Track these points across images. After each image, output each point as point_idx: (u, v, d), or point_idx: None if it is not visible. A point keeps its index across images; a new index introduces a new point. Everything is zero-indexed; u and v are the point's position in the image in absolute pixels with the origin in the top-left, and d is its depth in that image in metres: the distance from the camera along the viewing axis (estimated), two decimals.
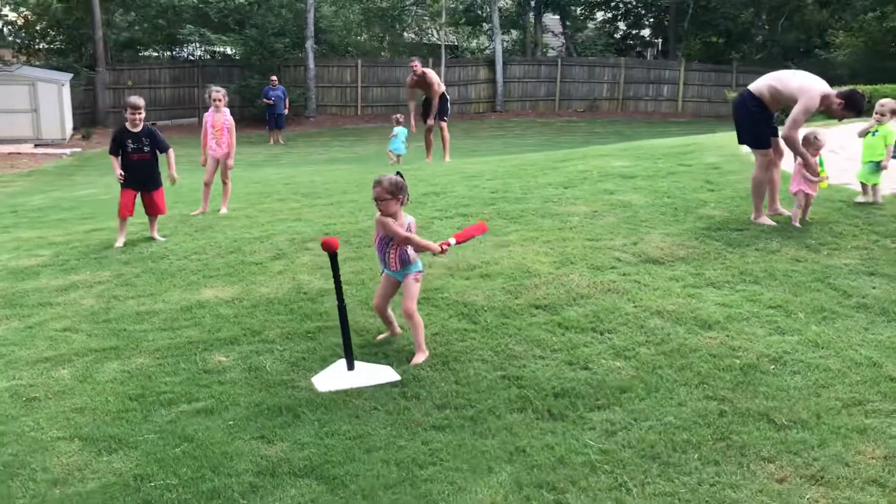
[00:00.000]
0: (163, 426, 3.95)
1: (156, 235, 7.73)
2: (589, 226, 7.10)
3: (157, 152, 7.90)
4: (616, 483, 3.42)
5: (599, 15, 36.30)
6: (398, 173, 4.81)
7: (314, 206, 8.84)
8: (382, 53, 32.69)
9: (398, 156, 15.08)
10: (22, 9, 28.41)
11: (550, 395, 4.20)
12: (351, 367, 4.57)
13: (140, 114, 7.77)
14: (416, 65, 13.82)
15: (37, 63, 28.16)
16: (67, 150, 21.06)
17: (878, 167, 7.33)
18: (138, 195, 7.80)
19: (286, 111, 23.94)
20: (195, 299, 5.81)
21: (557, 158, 11.31)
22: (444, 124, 13.90)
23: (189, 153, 20.54)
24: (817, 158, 6.75)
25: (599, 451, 3.67)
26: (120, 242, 7.53)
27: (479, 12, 34.31)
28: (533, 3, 33.68)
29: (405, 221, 4.86)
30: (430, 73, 13.83)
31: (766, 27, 33.73)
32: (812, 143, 6.74)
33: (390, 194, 4.70)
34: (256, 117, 26.60)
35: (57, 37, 29.78)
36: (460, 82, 30.99)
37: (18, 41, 30.17)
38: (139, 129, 7.75)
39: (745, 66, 33.05)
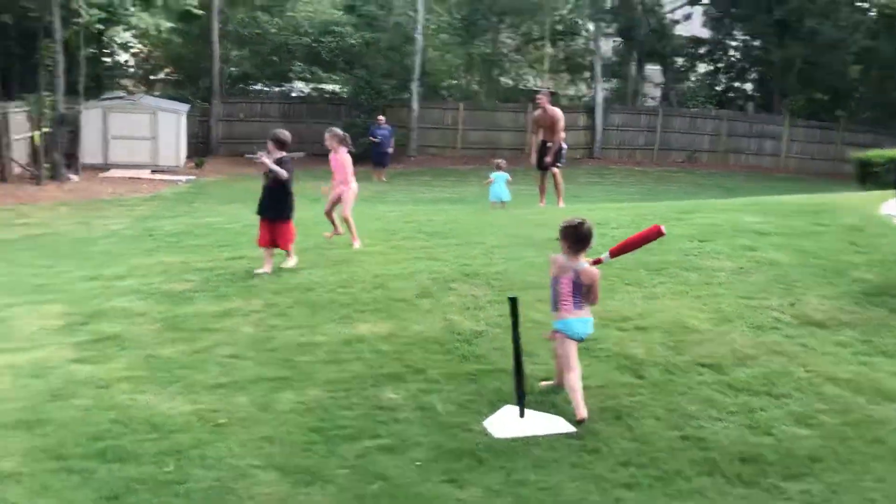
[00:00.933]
0: (351, 461, 3.99)
1: (284, 265, 7.92)
2: (738, 282, 6.94)
3: (283, 183, 8.09)
4: None
5: (702, 67, 35.94)
6: (582, 221, 4.79)
7: (445, 245, 8.90)
8: (482, 98, 33.01)
9: (502, 202, 14.72)
10: (145, 41, 29.88)
11: (737, 460, 4.08)
12: (522, 413, 4.55)
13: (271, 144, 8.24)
14: (543, 99, 13.68)
15: (155, 94, 29.52)
16: (183, 178, 21.88)
17: None
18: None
19: (391, 150, 24.36)
20: (352, 333, 5.90)
21: (681, 210, 11.13)
22: (556, 171, 13.83)
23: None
24: None
25: None
26: (260, 269, 7.74)
27: (581, 60, 34.43)
28: (635, 54, 33.61)
29: (572, 265, 4.77)
30: (558, 113, 13.61)
31: (875, 86, 32.80)
32: None
33: (559, 235, 4.72)
34: (361, 154, 27.06)
35: (175, 69, 31.16)
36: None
37: (140, 72, 31.75)
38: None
39: (851, 125, 32.17)
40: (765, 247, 8.21)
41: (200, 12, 24.23)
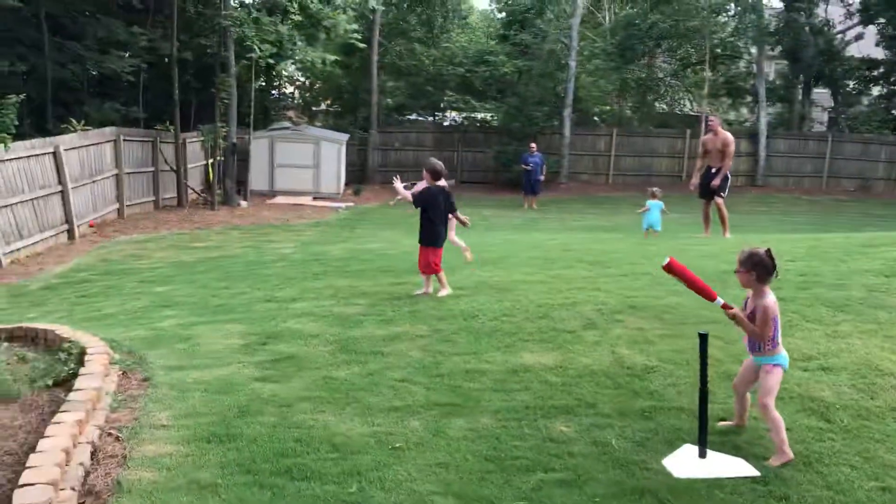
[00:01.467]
0: (528, 493, 3.95)
1: (429, 290, 8.09)
2: None
3: (423, 210, 8.34)
4: None
5: (875, 90, 33.75)
6: (768, 250, 4.56)
7: (607, 276, 8.75)
8: (635, 124, 32.47)
9: (655, 231, 14.42)
10: (309, 74, 31.46)
11: None
12: (703, 454, 4.36)
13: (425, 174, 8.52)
14: (715, 122, 13.30)
15: (317, 124, 30.98)
16: (342, 205, 22.76)
17: None
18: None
19: (542, 177, 24.34)
20: (518, 362, 5.88)
21: (861, 242, 10.44)
22: (720, 201, 13.29)
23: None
24: None
25: None
26: (418, 291, 8.14)
27: (742, 84, 33.20)
28: (802, 77, 32.04)
29: (761, 302, 4.53)
30: (730, 138, 13.14)
31: None
32: None
33: (743, 266, 4.49)
34: (511, 181, 27.31)
35: (335, 100, 32.60)
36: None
37: (302, 103, 33.44)
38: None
39: None
40: None
41: (363, 45, 25.23)
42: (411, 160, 29.82)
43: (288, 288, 9.17)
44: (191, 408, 5.06)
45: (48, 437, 4.21)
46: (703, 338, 4.38)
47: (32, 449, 4.19)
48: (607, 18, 35.46)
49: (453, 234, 9.98)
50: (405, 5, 31.18)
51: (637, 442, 4.59)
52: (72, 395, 4.90)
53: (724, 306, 4.51)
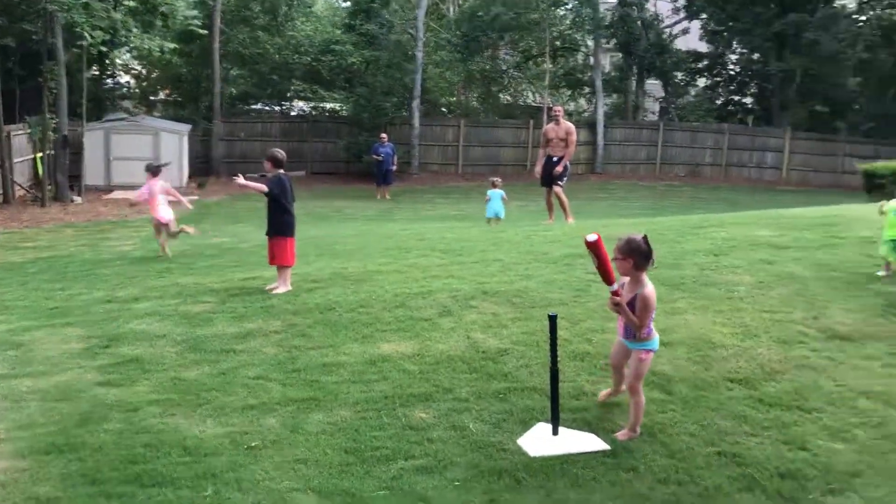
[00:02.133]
0: (388, 482, 3.96)
1: (271, 287, 7.94)
2: (759, 297, 6.93)
3: (273, 199, 8.14)
4: None
5: (701, 81, 36.10)
6: (644, 236, 4.66)
7: (460, 263, 8.89)
8: (481, 115, 33.14)
9: (498, 219, 14.92)
10: (145, 62, 29.98)
11: (776, 476, 4.06)
12: (556, 431, 4.52)
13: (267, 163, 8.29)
14: (560, 111, 13.71)
15: (156, 114, 29.58)
16: (186, 198, 21.84)
17: None
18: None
19: (394, 167, 24.39)
20: (377, 353, 5.87)
21: (693, 224, 11.14)
22: (558, 189, 13.74)
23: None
24: None
25: None
26: (270, 285, 7.96)
27: (580, 76, 34.57)
28: (635, 68, 33.76)
29: (642, 291, 4.60)
30: (572, 127, 13.62)
31: (874, 97, 32.95)
32: None
33: (621, 253, 4.58)
34: (363, 172, 27.19)
35: (174, 89, 31.21)
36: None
37: (139, 93, 31.83)
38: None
39: (852, 137, 32.28)
40: (783, 260, 8.21)
41: (204, 31, 24.29)
42: (258, 151, 28.91)
43: (129, 287, 8.72)
44: (27, 418, 4.72)
45: None
46: (553, 319, 4.52)
47: None
48: (451, 10, 35.95)
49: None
50: None
51: (493, 424, 4.69)
52: None
53: (615, 293, 4.48)
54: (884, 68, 32.14)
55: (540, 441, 4.44)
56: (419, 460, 4.20)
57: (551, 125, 13.82)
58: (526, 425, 4.68)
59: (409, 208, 21.68)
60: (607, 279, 4.46)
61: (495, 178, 15.85)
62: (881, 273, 7.52)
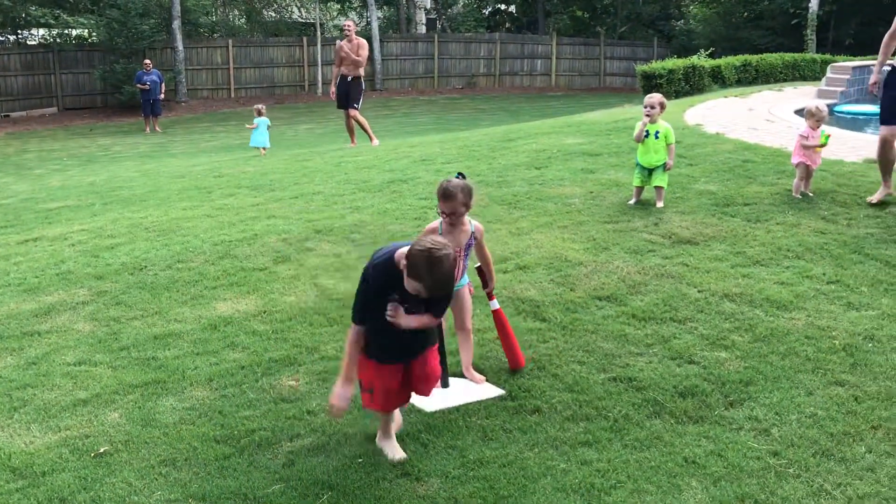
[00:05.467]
0: (280, 472, 3.41)
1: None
2: (595, 208, 6.92)
3: None
4: (813, 489, 3.24)
5: None
6: (460, 174, 4.19)
7: (277, 200, 8.17)
8: (253, 34, 31.22)
9: (263, 149, 14.49)
10: None
11: (677, 396, 3.98)
12: (446, 384, 4.16)
13: None
14: (351, 27, 12.95)
15: None
16: None
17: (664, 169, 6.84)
18: None
19: (162, 96, 22.41)
20: (215, 315, 5.16)
21: (500, 137, 11.06)
22: (353, 112, 13.17)
23: (46, 147, 19.16)
24: (819, 131, 6.84)
25: (769, 453, 3.48)
26: None
27: None
28: None
29: (469, 228, 4.24)
30: (364, 43, 12.92)
31: (628, 1, 34.85)
32: (814, 115, 6.83)
33: (465, 206, 4.09)
34: (125, 105, 24.84)
35: None
36: (333, 61, 30.13)
37: None
38: None
39: (610, 40, 34.07)
40: (603, 168, 8.29)
41: None
42: None
43: None
44: None
45: None
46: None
47: None
48: None
49: None
50: None
51: None
52: None
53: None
54: None
55: (433, 396, 4.06)
56: (307, 439, 3.67)
57: (343, 42, 13.08)
58: None
59: (185, 140, 20.09)
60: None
61: (259, 106, 15.38)
62: (631, 202, 6.95)
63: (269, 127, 14.68)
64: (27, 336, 5.03)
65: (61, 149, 18.86)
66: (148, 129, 22.11)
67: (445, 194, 3.98)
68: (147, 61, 22.75)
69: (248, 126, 15.14)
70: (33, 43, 28.01)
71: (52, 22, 26.42)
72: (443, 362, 4.12)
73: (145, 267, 6.19)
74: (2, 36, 27.77)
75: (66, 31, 27.70)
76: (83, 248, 6.83)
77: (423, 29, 36.77)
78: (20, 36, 28.31)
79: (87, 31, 27.40)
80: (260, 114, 14.71)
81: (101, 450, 3.61)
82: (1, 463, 3.53)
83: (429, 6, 36.44)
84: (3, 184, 12.80)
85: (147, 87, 21.84)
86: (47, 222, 8.26)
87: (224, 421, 3.86)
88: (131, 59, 24.91)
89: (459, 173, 4.11)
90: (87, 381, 4.34)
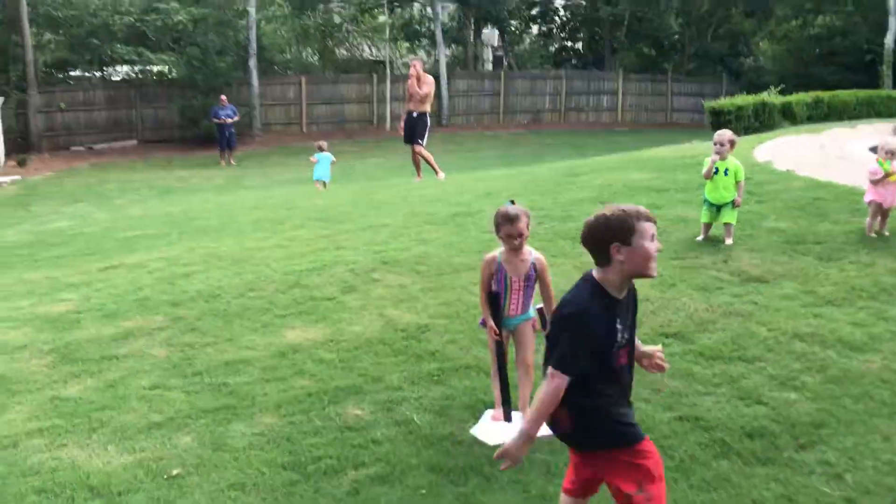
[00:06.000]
0: (347, 501, 3.47)
1: None
2: (663, 243, 6.84)
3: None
4: None
5: (535, 28, 36.58)
6: (512, 201, 4.24)
7: (346, 231, 8.33)
8: (325, 71, 32.01)
9: (324, 182, 14.97)
10: None
11: (745, 437, 3.90)
12: (509, 418, 4.16)
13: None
14: (418, 65, 13.18)
15: None
16: (7, 179, 19.74)
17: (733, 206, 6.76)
18: None
19: (230, 120, 23.05)
20: (284, 343, 5.29)
21: (565, 172, 11.08)
22: (418, 148, 13.36)
23: (126, 178, 19.74)
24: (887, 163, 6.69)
25: (843, 500, 3.39)
26: None
27: (419, 27, 34.09)
28: (472, 18, 33.65)
29: (529, 258, 4.27)
30: (430, 82, 13.12)
31: (696, 38, 34.64)
32: (884, 149, 6.70)
33: (528, 229, 4.13)
34: (201, 138, 25.62)
35: None
36: (403, 97, 30.66)
37: None
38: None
39: (678, 76, 33.83)
40: (670, 204, 8.22)
41: None
42: (83, 122, 26.73)
43: None
44: None
45: None
46: (493, 297, 4.10)
47: None
48: None
49: None
50: None
51: (437, 413, 4.28)
52: None
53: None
54: (701, 10, 33.77)
55: (494, 429, 4.07)
56: (371, 468, 3.72)
57: (410, 79, 13.33)
58: (472, 410, 4.30)
59: (258, 173, 20.64)
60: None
61: (321, 142, 16.05)
62: (699, 238, 6.87)
63: (332, 163, 15.20)
64: (106, 360, 5.23)
65: (141, 180, 19.58)
66: (223, 161, 22.80)
67: (508, 217, 4.03)
68: (223, 97, 23.52)
69: (311, 159, 15.64)
70: (117, 79, 29.22)
71: (136, 59, 27.57)
72: (505, 393, 4.14)
73: (219, 295, 6.38)
74: (89, 72, 29.05)
75: (147, 68, 28.87)
76: (160, 275, 7.08)
77: (489, 66, 37.18)
78: (105, 72, 29.60)
79: (167, 67, 28.49)
80: (322, 149, 15.28)
81: (174, 472, 3.73)
82: (80, 481, 3.68)
83: (496, 44, 36.84)
84: (86, 213, 13.35)
85: (223, 120, 22.57)
86: (127, 250, 8.58)
87: (291, 447, 3.95)
88: (209, 94, 25.77)
89: (511, 200, 4.18)
90: (161, 404, 4.49)
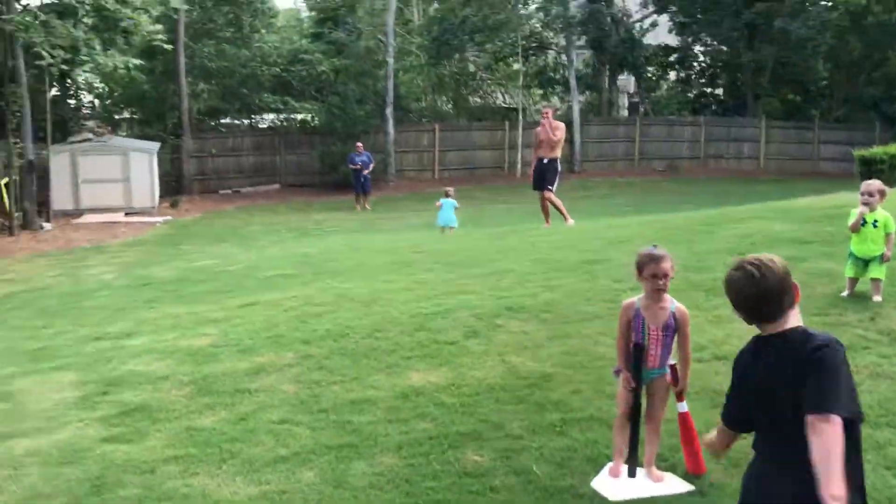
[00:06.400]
0: None
1: None
2: (805, 299, 6.39)
3: None
4: None
5: (673, 74, 36.01)
6: (655, 246, 4.14)
7: (472, 276, 8.38)
8: (459, 119, 32.69)
9: (450, 228, 15.16)
10: (109, 81, 29.07)
11: None
12: (633, 473, 4.03)
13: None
14: (549, 112, 13.25)
15: (122, 133, 28.73)
16: (160, 219, 21.14)
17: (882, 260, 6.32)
18: None
19: (367, 171, 23.79)
20: (407, 385, 5.35)
21: (702, 221, 10.74)
22: (548, 194, 13.32)
23: (268, 220, 20.58)
24: None
25: None
26: None
27: (552, 74, 34.28)
28: (607, 65, 33.54)
29: (669, 307, 4.15)
30: (560, 128, 13.13)
31: (846, 83, 33.07)
32: None
33: (673, 271, 4.03)
34: (338, 183, 26.60)
35: (140, 107, 30.33)
36: (534, 144, 30.82)
37: (104, 111, 30.91)
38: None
39: (825, 123, 32.32)
40: (814, 257, 7.81)
41: (169, 46, 23.54)
42: (231, 167, 28.35)
43: (119, 321, 8.09)
44: (30, 489, 4.13)
45: None
46: (638, 348, 4.00)
47: None
48: (416, 15, 35.48)
49: None
50: (209, 4, 29.53)
51: (558, 464, 4.20)
52: None
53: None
54: (853, 54, 32.24)
55: (616, 483, 3.96)
56: None
57: (541, 125, 13.38)
58: (594, 463, 4.19)
59: (391, 217, 21.15)
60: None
61: (448, 189, 16.30)
62: (844, 294, 6.52)
63: (455, 208, 15.44)
64: (239, 393, 5.45)
65: (281, 222, 20.48)
66: (358, 206, 23.55)
67: (653, 257, 3.93)
68: (359, 144, 24.39)
69: (436, 204, 15.92)
70: (263, 126, 30.93)
71: (281, 107, 29.12)
72: (633, 449, 4.01)
73: (347, 335, 6.54)
74: (238, 120, 30.91)
75: (291, 116, 30.40)
76: (294, 314, 7.34)
77: (625, 112, 36.83)
78: (253, 120, 31.40)
79: (310, 115, 29.91)
80: (447, 195, 15.56)
81: None
82: None
83: (632, 90, 36.50)
84: (230, 252, 14.06)
85: (358, 167, 23.37)
86: (265, 288, 8.96)
87: (410, 489, 3.97)
88: (347, 141, 26.79)
89: (654, 245, 4.07)
90: (287, 439, 4.63)
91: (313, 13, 33.76)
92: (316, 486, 4.03)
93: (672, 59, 34.80)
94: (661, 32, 33.71)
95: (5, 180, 20.08)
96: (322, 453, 4.41)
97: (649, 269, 3.90)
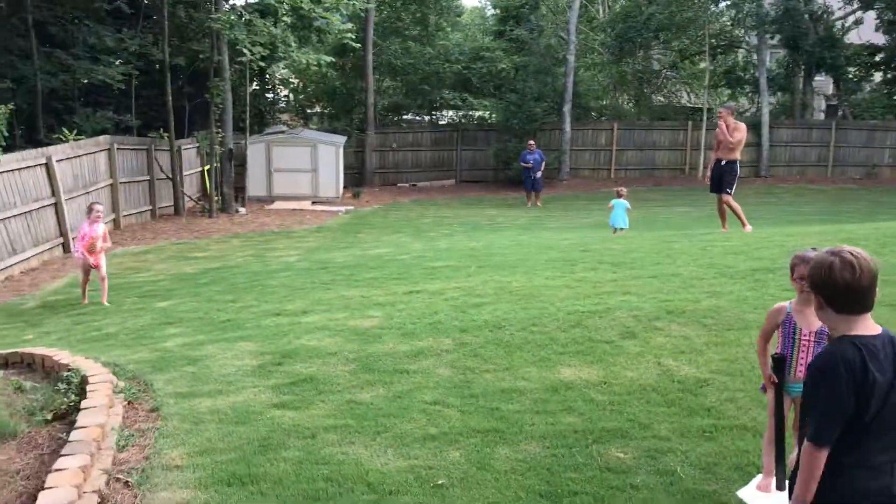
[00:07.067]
0: None
1: None
2: None
3: None
4: None
5: (877, 76, 33.33)
6: (814, 249, 3.93)
7: (635, 278, 8.30)
8: (640, 117, 32.00)
9: (621, 229, 14.91)
10: (303, 76, 30.92)
11: None
12: (781, 486, 3.89)
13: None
14: (723, 112, 12.80)
15: (312, 126, 30.46)
16: (342, 208, 22.28)
17: None
18: None
19: (539, 174, 23.82)
20: (557, 379, 5.43)
21: (891, 233, 10.01)
22: (727, 198, 12.81)
23: (440, 214, 21.08)
24: None
25: None
26: None
27: (741, 74, 32.76)
28: (802, 65, 31.60)
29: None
30: (740, 129, 12.64)
31: None
32: None
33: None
34: (512, 180, 26.88)
35: (330, 102, 32.05)
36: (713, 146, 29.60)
37: (297, 105, 32.92)
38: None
39: None
40: None
41: (358, 45, 24.74)
42: (410, 161, 29.35)
43: (297, 300, 8.70)
44: (206, 443, 4.59)
45: (49, 488, 3.74)
46: (779, 361, 3.86)
47: (33, 500, 3.73)
48: (601, 12, 35.05)
49: None
50: (398, 4, 30.71)
51: (703, 468, 4.13)
52: (74, 434, 4.43)
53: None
54: None
55: (762, 494, 3.85)
56: None
57: (720, 127, 12.92)
58: (742, 472, 4.09)
59: (561, 216, 21.12)
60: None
61: (620, 188, 16.05)
62: None
63: (627, 209, 15.22)
64: (398, 373, 5.75)
65: (453, 216, 21.00)
66: (529, 203, 23.69)
67: (804, 258, 3.76)
68: (531, 142, 24.52)
69: (608, 205, 15.75)
70: (443, 122, 31.76)
71: (461, 104, 29.78)
72: (780, 462, 3.88)
73: (503, 326, 6.70)
74: (419, 116, 31.93)
75: (469, 113, 31.01)
76: (454, 303, 7.60)
77: (820, 115, 34.59)
78: (433, 116, 32.33)
79: (487, 112, 30.37)
80: (620, 196, 15.37)
81: (440, 482, 4.01)
82: (360, 477, 4.10)
83: (829, 92, 34.22)
84: (402, 242, 14.65)
85: (529, 165, 23.50)
86: (430, 278, 9.30)
87: (550, 478, 4.05)
88: (522, 139, 27.00)
89: (813, 248, 3.90)
90: (438, 419, 4.84)
91: (497, 11, 34.22)
92: (461, 466, 4.21)
93: (878, 59, 32.22)
94: (865, 30, 31.32)
95: (207, 167, 21.94)
96: (469, 435, 4.59)
97: (799, 271, 3.77)
